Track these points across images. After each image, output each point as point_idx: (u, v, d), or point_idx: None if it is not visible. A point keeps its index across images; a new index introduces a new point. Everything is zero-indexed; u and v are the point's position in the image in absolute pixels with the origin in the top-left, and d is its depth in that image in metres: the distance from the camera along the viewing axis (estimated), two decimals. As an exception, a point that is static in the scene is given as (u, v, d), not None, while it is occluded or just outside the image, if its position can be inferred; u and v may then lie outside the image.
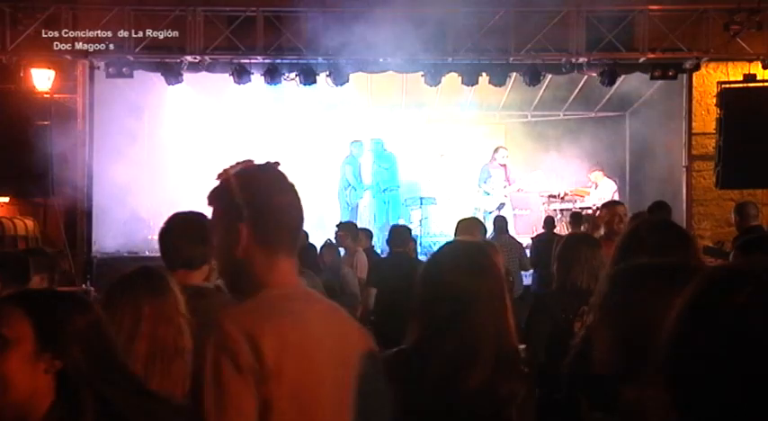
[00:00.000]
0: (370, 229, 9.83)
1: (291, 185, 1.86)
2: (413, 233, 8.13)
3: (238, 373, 1.61)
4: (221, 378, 1.60)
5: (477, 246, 2.52)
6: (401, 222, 10.43)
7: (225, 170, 1.83)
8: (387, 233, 7.70)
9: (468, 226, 6.01)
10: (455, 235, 6.61)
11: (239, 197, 1.78)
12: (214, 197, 1.84)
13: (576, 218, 10.00)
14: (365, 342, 1.90)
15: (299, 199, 1.87)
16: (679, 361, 0.98)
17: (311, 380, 1.71)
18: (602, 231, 6.01)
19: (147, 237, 11.11)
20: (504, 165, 12.25)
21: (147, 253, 10.09)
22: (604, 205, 6.40)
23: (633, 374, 1.49)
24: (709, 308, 0.97)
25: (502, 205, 12.05)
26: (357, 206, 12.60)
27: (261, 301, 1.76)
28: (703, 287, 1.00)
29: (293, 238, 1.86)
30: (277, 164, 1.87)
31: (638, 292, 1.55)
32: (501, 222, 9.45)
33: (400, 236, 7.14)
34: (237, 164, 1.84)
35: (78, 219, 10.94)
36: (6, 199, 11.12)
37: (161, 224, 3.00)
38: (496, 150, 12.36)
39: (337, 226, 8.63)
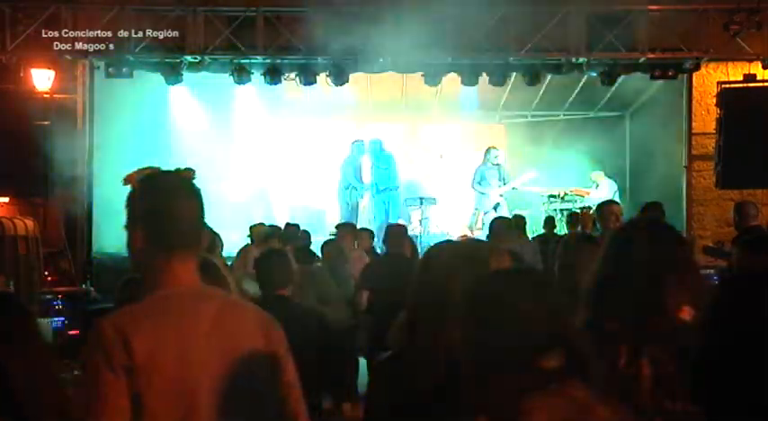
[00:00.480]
0: (371, 229, 9.81)
1: (193, 192, 2.00)
2: (409, 232, 8.07)
3: (111, 371, 1.75)
4: (96, 375, 1.76)
5: (470, 247, 2.50)
6: (400, 222, 10.40)
7: (129, 176, 1.98)
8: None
9: (503, 226, 6.04)
10: (490, 235, 6.72)
11: (138, 202, 1.96)
12: (125, 201, 1.99)
13: (572, 218, 10.02)
14: (264, 339, 2.01)
15: (198, 205, 2.00)
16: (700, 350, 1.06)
17: (188, 376, 1.83)
18: (595, 230, 6.04)
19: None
20: (498, 165, 12.23)
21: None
22: (600, 205, 6.41)
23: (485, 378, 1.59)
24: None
25: (497, 205, 12.03)
26: (357, 206, 12.61)
27: (147, 302, 1.91)
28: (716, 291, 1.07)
29: (189, 242, 1.99)
30: (189, 171, 2.02)
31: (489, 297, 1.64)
32: (520, 222, 9.42)
33: (395, 235, 7.03)
34: (142, 170, 1.99)
35: (78, 219, 10.94)
36: (6, 199, 11.10)
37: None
38: (488, 151, 12.33)
39: (337, 227, 8.62)
